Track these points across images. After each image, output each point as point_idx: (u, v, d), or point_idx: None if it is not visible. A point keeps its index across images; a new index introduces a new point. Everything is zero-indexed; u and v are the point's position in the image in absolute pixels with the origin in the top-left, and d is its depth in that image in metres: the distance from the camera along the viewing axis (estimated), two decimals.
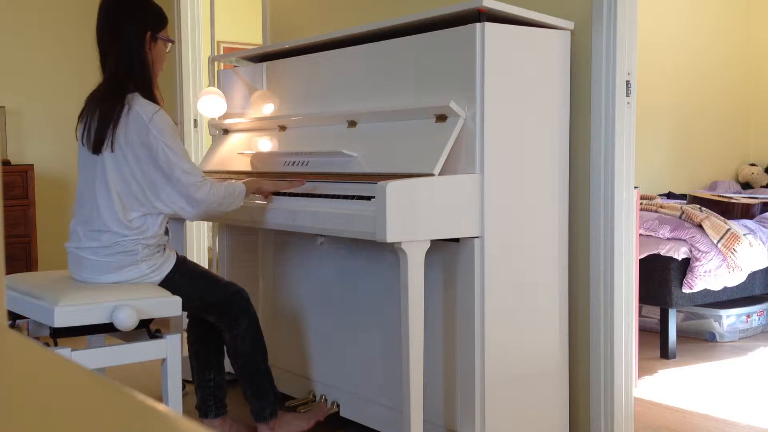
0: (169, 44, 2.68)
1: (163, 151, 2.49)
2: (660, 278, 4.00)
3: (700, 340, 4.35)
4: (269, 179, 2.84)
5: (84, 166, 2.61)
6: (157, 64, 2.64)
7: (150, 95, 2.58)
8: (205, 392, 2.86)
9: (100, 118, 2.52)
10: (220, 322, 2.74)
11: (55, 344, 2.48)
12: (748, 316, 4.40)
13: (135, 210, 2.53)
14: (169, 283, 2.59)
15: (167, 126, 2.52)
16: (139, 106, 2.51)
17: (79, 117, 2.64)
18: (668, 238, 4.06)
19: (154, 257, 2.58)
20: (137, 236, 2.53)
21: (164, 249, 2.63)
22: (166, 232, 2.70)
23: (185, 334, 2.91)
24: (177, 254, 2.68)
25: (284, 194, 2.77)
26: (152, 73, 2.62)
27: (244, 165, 3.15)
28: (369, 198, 2.39)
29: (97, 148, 2.52)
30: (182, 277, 2.63)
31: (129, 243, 2.52)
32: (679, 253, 3.98)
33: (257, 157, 3.10)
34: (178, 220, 3.33)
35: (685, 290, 3.98)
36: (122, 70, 2.55)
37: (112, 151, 2.50)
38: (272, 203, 2.77)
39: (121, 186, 2.52)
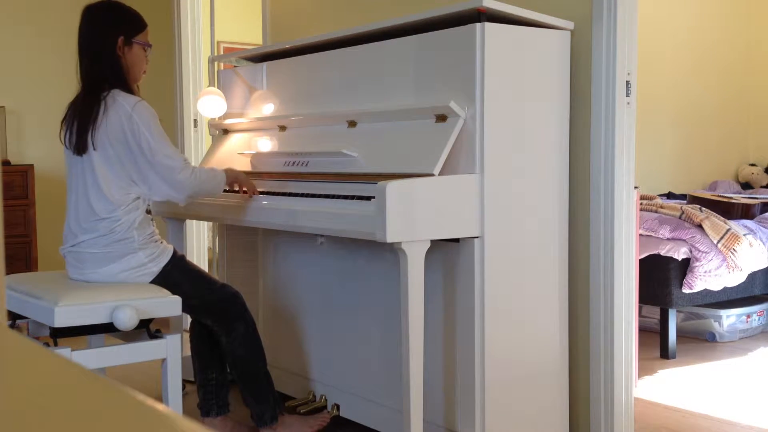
0: (148, 48, 2.74)
1: (146, 139, 2.57)
2: (660, 278, 4.00)
3: (700, 340, 4.35)
4: (251, 179, 2.88)
5: (71, 169, 2.70)
6: (135, 67, 2.71)
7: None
8: (207, 391, 2.86)
9: (80, 121, 2.61)
10: (216, 326, 2.75)
11: (55, 344, 2.48)
12: (748, 316, 4.39)
13: (126, 192, 2.60)
14: (166, 277, 2.62)
15: (149, 114, 2.61)
16: (121, 97, 2.60)
17: (62, 122, 2.73)
18: (668, 238, 4.05)
19: (150, 246, 2.63)
20: (131, 220, 2.58)
21: (161, 242, 2.69)
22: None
23: (185, 334, 2.91)
24: (175, 250, 2.72)
25: (282, 194, 2.77)
26: (129, 76, 2.68)
27: (244, 165, 3.15)
28: (369, 198, 2.39)
29: (79, 150, 2.61)
30: (180, 273, 2.67)
31: (124, 228, 2.58)
32: (679, 254, 3.98)
33: (257, 158, 3.10)
34: (177, 221, 3.34)
35: (685, 290, 3.98)
36: (95, 76, 2.63)
37: (95, 149, 2.58)
38: (272, 203, 2.78)
39: (111, 177, 2.59)
